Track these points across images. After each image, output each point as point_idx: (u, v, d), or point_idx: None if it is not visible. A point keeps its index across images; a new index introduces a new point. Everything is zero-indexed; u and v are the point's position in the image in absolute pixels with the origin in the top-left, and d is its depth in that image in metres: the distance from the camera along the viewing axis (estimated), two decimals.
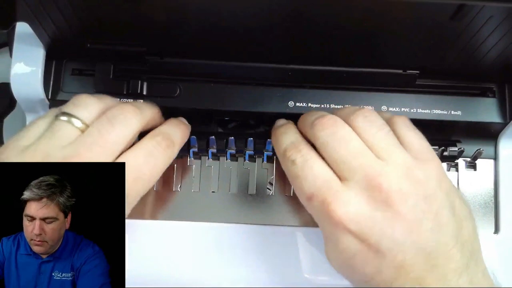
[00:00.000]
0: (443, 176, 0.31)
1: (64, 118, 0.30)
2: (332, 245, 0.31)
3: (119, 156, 0.30)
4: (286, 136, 0.34)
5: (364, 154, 0.30)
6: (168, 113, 0.36)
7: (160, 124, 0.35)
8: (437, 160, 0.32)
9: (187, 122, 0.37)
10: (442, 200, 0.30)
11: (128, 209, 0.31)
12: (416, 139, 0.32)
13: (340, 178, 0.30)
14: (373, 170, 0.29)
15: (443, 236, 0.29)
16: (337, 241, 0.30)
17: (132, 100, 0.37)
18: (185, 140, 0.36)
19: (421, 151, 0.31)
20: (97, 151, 0.29)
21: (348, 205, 0.29)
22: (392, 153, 0.30)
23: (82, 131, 0.30)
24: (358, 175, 0.30)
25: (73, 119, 0.30)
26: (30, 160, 0.29)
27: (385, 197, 0.29)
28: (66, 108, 0.31)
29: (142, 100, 0.37)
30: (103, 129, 0.30)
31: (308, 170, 0.31)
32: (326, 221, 0.30)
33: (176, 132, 0.34)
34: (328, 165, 0.31)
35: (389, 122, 0.33)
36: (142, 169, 0.31)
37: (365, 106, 0.38)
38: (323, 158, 0.31)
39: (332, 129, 0.31)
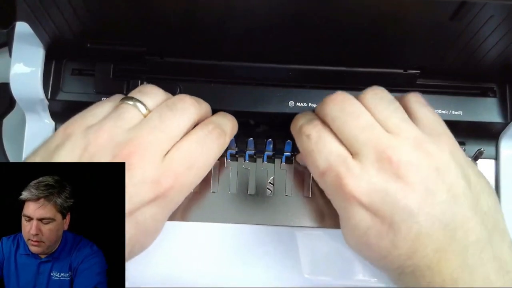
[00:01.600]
0: (456, 149, 0.31)
1: (130, 102, 0.31)
2: (346, 222, 0.31)
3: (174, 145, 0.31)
4: (303, 117, 0.34)
5: (374, 128, 0.30)
6: None
7: None
8: (449, 134, 0.32)
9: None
10: (456, 172, 0.30)
11: (180, 199, 0.31)
12: (429, 114, 0.32)
13: (352, 153, 0.30)
14: (383, 143, 0.29)
15: (459, 208, 0.29)
16: (350, 216, 0.30)
17: None
18: (235, 132, 0.36)
19: (433, 126, 0.31)
20: (158, 135, 0.30)
21: (360, 179, 0.29)
22: (402, 128, 0.30)
23: (145, 117, 0.31)
24: (368, 148, 0.30)
25: (139, 104, 0.31)
26: (95, 139, 0.29)
27: (395, 169, 0.29)
28: (132, 94, 0.32)
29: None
30: (164, 115, 0.30)
31: (322, 145, 0.31)
32: (339, 196, 0.30)
33: (227, 123, 0.34)
34: (340, 141, 0.31)
35: (402, 99, 0.33)
36: (196, 157, 0.31)
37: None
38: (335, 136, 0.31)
39: (341, 104, 0.31)
